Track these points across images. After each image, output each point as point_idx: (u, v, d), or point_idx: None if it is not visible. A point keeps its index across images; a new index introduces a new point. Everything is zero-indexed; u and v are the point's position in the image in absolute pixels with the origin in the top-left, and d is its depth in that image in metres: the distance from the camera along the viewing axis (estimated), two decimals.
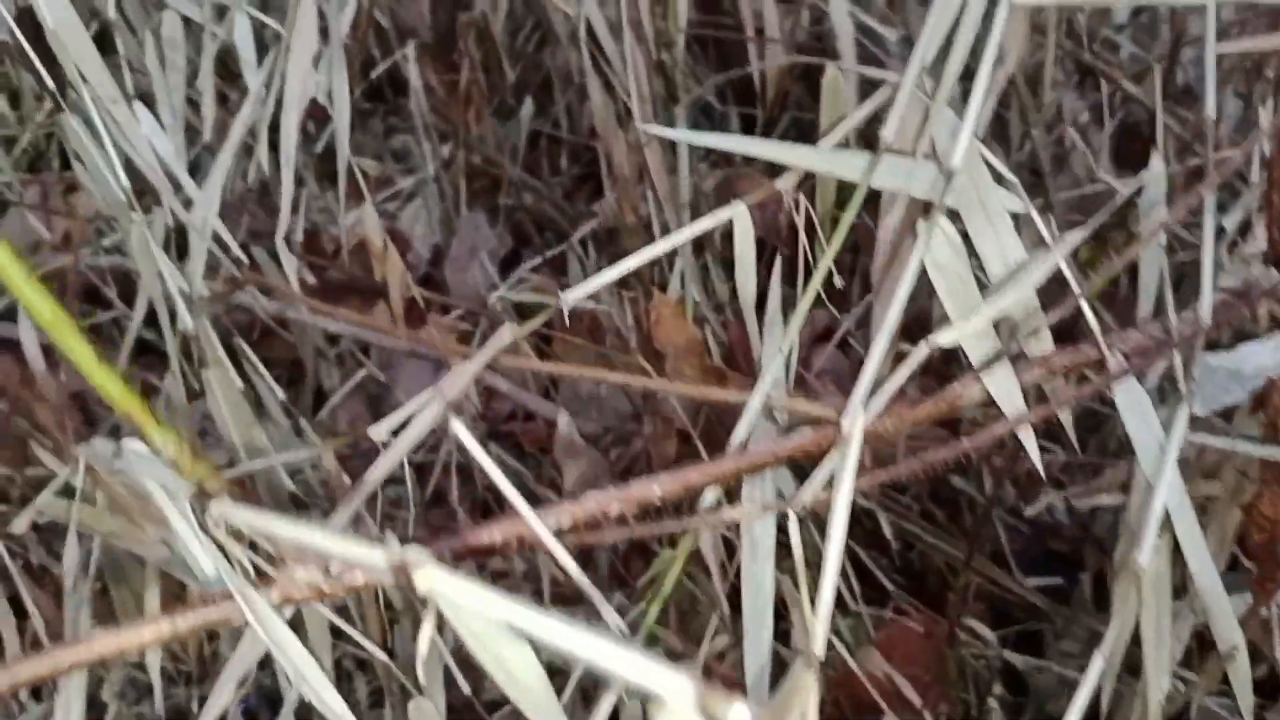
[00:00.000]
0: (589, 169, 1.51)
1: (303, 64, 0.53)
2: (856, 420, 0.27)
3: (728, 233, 1.07)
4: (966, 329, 0.29)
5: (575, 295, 0.37)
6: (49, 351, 0.93)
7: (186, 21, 0.61)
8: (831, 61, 0.45)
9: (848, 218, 0.34)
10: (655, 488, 0.32)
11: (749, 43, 1.12)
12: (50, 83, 0.47)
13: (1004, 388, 0.31)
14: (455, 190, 1.34)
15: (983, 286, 0.35)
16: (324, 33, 0.56)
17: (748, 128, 1.44)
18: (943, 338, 0.29)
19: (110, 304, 1.10)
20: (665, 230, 0.91)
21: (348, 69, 0.57)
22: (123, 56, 0.61)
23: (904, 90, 0.36)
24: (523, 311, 1.16)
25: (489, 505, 1.00)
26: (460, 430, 0.24)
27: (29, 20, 0.60)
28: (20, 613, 0.64)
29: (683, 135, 0.40)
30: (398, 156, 1.45)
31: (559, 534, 0.32)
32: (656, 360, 0.87)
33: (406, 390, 1.14)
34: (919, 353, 0.29)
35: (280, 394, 0.66)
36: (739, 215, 0.39)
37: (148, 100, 0.63)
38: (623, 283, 0.75)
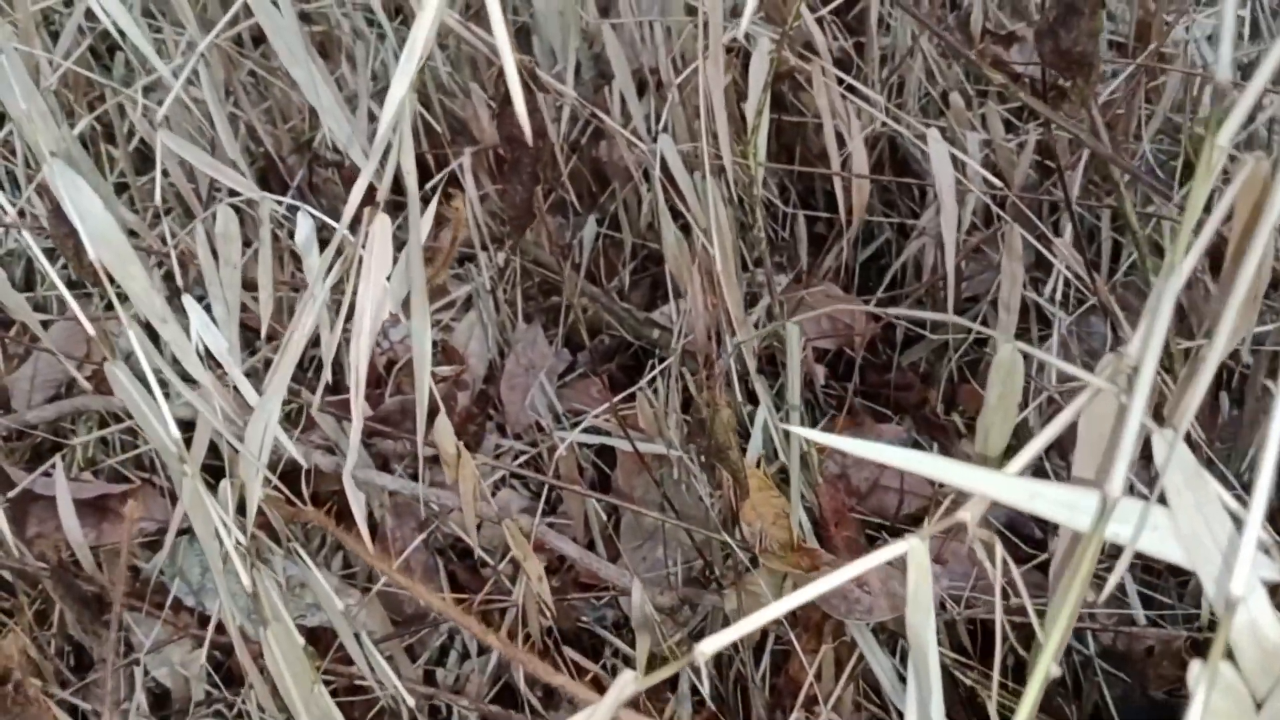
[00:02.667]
0: (646, 265, 1.46)
1: (377, 282, 0.47)
2: None
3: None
4: None
5: (709, 649, 0.30)
6: (86, 510, 0.88)
7: (239, 213, 0.56)
8: (996, 334, 0.39)
9: (1076, 593, 0.27)
10: None
11: (825, 138, 1.05)
12: (90, 329, 0.41)
13: None
14: (511, 300, 1.28)
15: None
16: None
17: (810, 224, 1.39)
18: None
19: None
20: (745, 381, 0.85)
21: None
22: (173, 250, 0.56)
23: (1129, 432, 0.29)
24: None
25: None
26: None
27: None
28: None
29: (829, 440, 0.33)
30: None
31: None
32: (733, 523, 0.80)
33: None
34: None
35: (340, 605, 0.60)
36: (914, 550, 0.32)
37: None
38: (707, 463, 0.68)
